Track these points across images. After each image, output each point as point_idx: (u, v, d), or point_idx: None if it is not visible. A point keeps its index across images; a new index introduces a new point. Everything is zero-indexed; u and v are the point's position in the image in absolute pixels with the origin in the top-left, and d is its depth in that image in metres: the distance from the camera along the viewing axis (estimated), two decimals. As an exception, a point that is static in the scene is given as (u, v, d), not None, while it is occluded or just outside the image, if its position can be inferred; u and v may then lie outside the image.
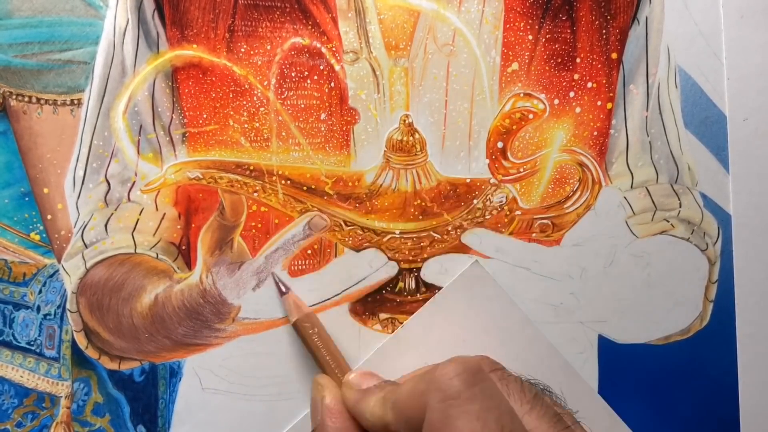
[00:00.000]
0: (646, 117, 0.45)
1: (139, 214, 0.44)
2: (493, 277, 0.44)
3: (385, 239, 0.44)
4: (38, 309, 0.44)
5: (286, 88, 0.44)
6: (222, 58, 0.43)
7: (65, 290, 0.44)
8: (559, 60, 0.44)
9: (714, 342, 0.45)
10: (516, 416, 0.26)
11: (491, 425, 0.25)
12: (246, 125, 0.44)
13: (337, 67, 0.44)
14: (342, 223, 0.44)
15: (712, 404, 0.45)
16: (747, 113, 0.45)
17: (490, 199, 0.44)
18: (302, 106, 0.44)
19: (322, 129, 0.44)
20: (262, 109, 0.44)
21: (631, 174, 0.45)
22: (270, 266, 0.44)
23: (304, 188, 0.44)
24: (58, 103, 0.44)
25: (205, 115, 0.44)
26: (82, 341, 0.44)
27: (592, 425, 0.40)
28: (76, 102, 0.43)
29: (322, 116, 0.44)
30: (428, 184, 0.44)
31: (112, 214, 0.44)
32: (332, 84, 0.44)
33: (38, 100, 0.43)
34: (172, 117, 0.44)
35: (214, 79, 0.43)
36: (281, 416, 0.44)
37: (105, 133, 0.44)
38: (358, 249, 0.44)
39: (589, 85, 0.44)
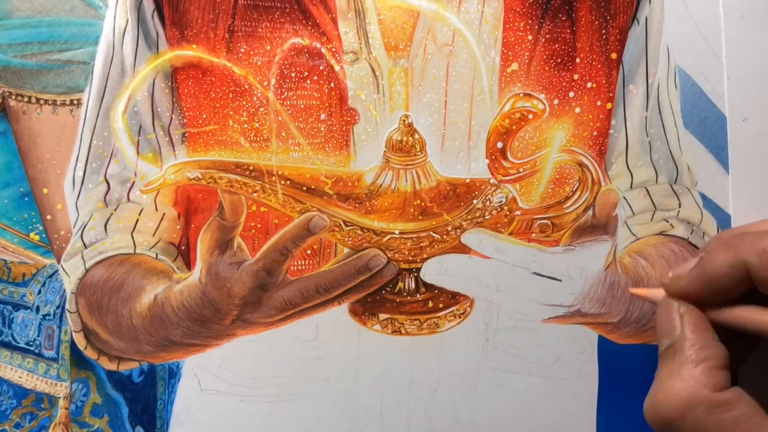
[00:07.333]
0: (646, 117, 0.45)
1: (139, 215, 0.44)
2: (494, 276, 0.44)
3: (384, 239, 0.44)
4: (37, 309, 0.44)
5: (286, 89, 0.44)
6: (222, 59, 0.43)
7: (64, 290, 0.44)
8: (559, 60, 0.44)
9: (714, 342, 0.45)
10: None
11: None
12: (246, 125, 0.44)
13: (336, 68, 0.44)
14: (342, 223, 0.43)
15: (712, 405, 0.45)
16: (747, 113, 0.45)
17: (489, 199, 0.44)
18: (302, 106, 0.44)
19: (322, 129, 0.44)
20: (261, 109, 0.44)
21: (631, 174, 0.45)
22: (269, 266, 0.43)
23: (304, 188, 0.44)
24: (58, 103, 0.43)
25: (204, 116, 0.44)
26: (81, 342, 0.44)
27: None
28: (75, 102, 0.43)
29: (322, 116, 0.44)
30: (428, 185, 0.44)
31: (112, 214, 0.44)
32: (332, 84, 0.44)
33: (38, 100, 0.43)
34: (171, 117, 0.44)
35: (213, 79, 0.43)
36: (281, 417, 0.44)
37: (104, 134, 0.44)
38: (357, 249, 0.44)
39: (589, 85, 0.44)
